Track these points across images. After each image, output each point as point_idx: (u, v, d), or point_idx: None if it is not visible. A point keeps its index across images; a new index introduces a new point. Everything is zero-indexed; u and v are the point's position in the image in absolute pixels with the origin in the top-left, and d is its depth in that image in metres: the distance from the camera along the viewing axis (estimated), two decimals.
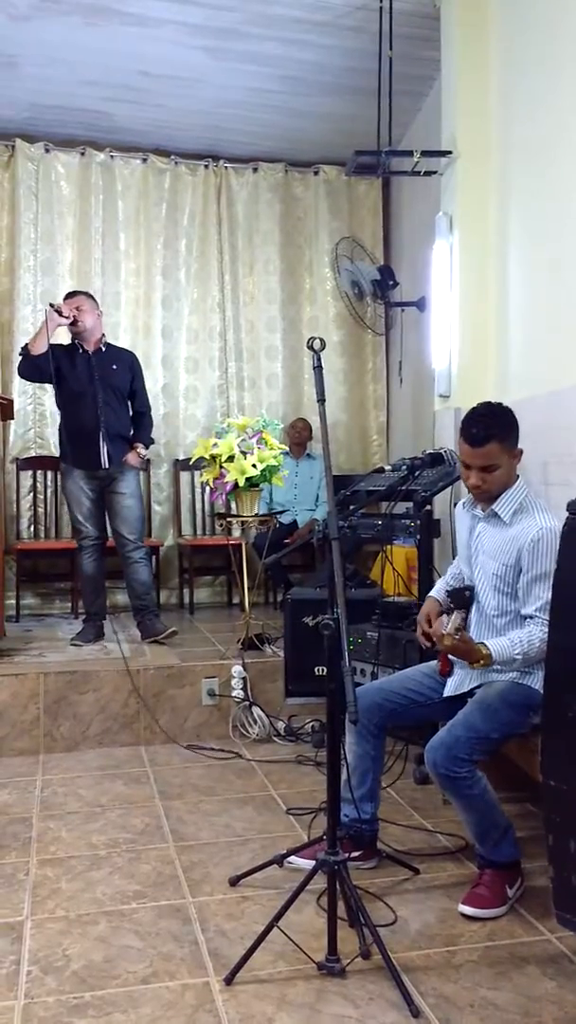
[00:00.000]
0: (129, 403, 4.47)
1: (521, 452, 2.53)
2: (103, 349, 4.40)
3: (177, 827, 2.94)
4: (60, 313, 4.20)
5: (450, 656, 2.55)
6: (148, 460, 4.43)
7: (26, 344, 4.31)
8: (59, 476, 5.61)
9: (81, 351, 4.35)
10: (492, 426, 2.45)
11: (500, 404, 2.56)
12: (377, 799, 2.65)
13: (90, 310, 4.32)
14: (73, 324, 4.26)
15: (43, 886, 2.52)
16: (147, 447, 4.54)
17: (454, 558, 2.87)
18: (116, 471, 4.33)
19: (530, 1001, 1.94)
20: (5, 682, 3.73)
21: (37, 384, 5.57)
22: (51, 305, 4.25)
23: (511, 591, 2.48)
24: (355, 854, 2.53)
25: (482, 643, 2.39)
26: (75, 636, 4.44)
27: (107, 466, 4.29)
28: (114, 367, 4.39)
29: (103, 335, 4.44)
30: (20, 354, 4.31)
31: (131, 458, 4.39)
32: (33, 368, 4.26)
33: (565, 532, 1.86)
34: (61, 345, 4.34)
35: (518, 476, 2.55)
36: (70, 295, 4.42)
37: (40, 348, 4.19)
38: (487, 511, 2.55)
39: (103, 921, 2.31)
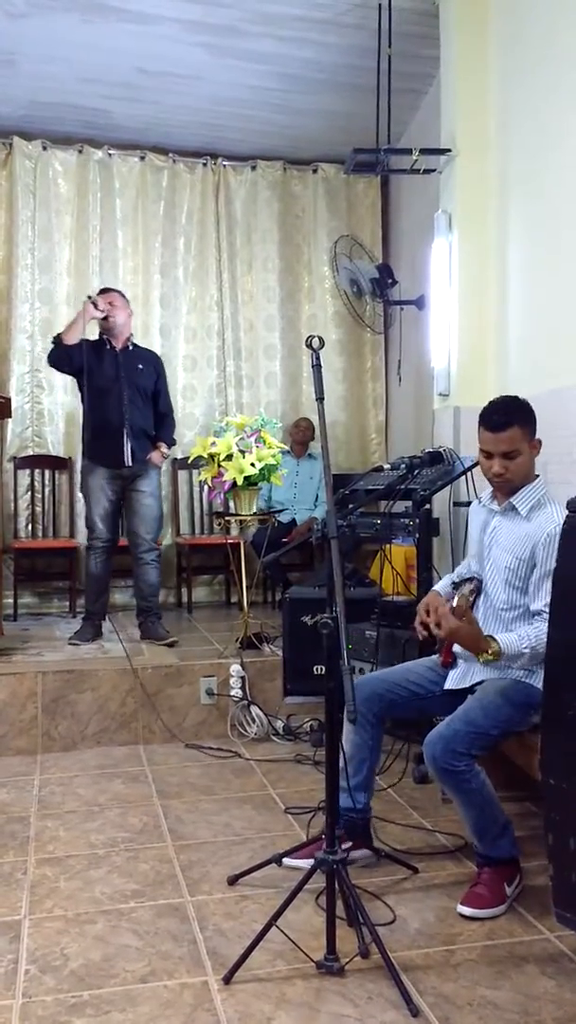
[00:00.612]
0: (152, 403, 4.48)
1: (540, 443, 2.51)
2: (130, 348, 4.42)
3: (175, 826, 2.94)
4: (96, 306, 4.21)
5: (455, 649, 2.53)
6: (166, 459, 4.46)
7: (59, 333, 4.32)
8: (58, 475, 5.63)
9: (109, 347, 4.36)
10: (512, 412, 2.46)
11: (519, 397, 2.56)
12: (371, 790, 2.65)
13: (122, 307, 4.36)
14: (105, 319, 4.28)
15: (41, 885, 2.52)
16: (170, 447, 4.55)
17: (455, 557, 2.87)
18: (139, 469, 4.35)
19: (529, 1000, 1.93)
20: (3, 681, 3.72)
21: (36, 383, 5.60)
22: (88, 297, 4.28)
23: (522, 585, 2.47)
24: (346, 845, 2.52)
25: (491, 636, 2.37)
26: (73, 635, 4.43)
27: (131, 464, 4.30)
28: (140, 367, 4.41)
29: (131, 334, 4.46)
30: (52, 342, 4.33)
31: (155, 456, 4.41)
32: (64, 357, 4.27)
33: (565, 530, 1.85)
34: (89, 340, 4.33)
35: (538, 475, 2.54)
36: (104, 291, 4.46)
37: (73, 338, 4.22)
38: (504, 505, 2.54)
39: (101, 920, 2.31)
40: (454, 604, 2.39)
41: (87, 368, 4.26)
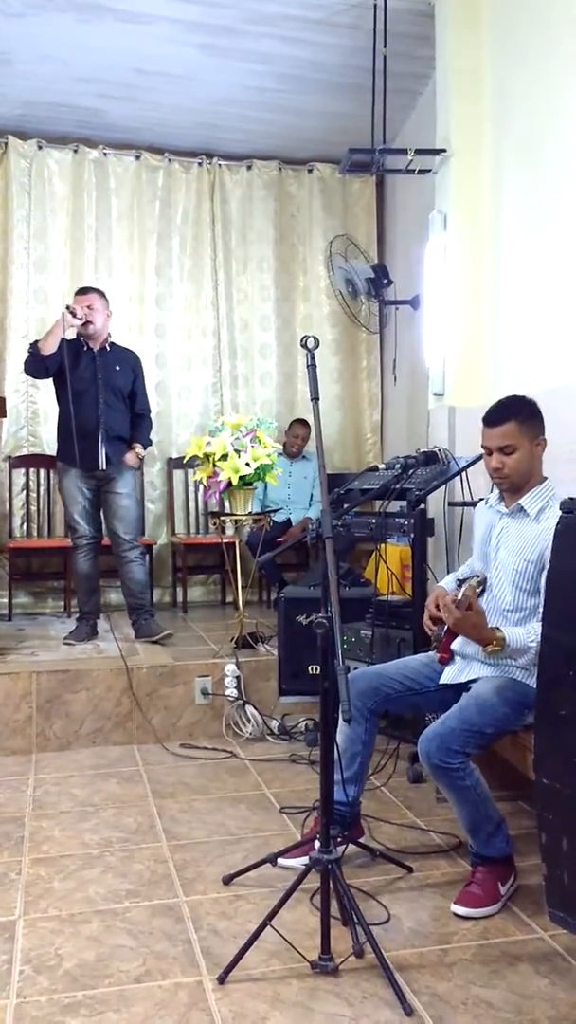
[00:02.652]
0: (129, 403, 4.45)
1: (545, 442, 2.50)
2: (108, 349, 4.37)
3: (170, 826, 2.94)
4: (74, 315, 4.18)
5: (455, 643, 2.52)
6: (143, 460, 4.41)
7: (36, 342, 4.27)
8: (53, 474, 5.62)
9: (86, 348, 4.32)
10: (510, 407, 2.48)
11: (525, 396, 2.55)
12: (362, 784, 2.65)
13: (100, 309, 4.30)
14: (84, 325, 4.24)
15: (35, 885, 2.52)
16: (145, 448, 4.52)
17: (449, 556, 2.87)
18: (114, 471, 4.32)
19: (523, 999, 1.94)
20: None
21: (31, 382, 5.59)
22: (67, 307, 4.21)
23: (530, 587, 2.46)
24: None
25: (496, 627, 2.36)
26: (68, 635, 4.43)
27: (105, 467, 4.28)
28: (117, 368, 4.37)
29: (109, 334, 4.42)
30: (29, 351, 4.28)
31: (129, 458, 4.38)
32: (40, 367, 4.24)
33: (559, 531, 1.86)
34: (66, 339, 4.28)
35: (546, 477, 2.53)
36: (83, 291, 4.39)
37: (51, 348, 4.17)
38: (512, 506, 2.53)
39: (96, 920, 2.31)
40: (459, 596, 2.38)
41: (62, 370, 4.19)
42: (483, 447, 2.52)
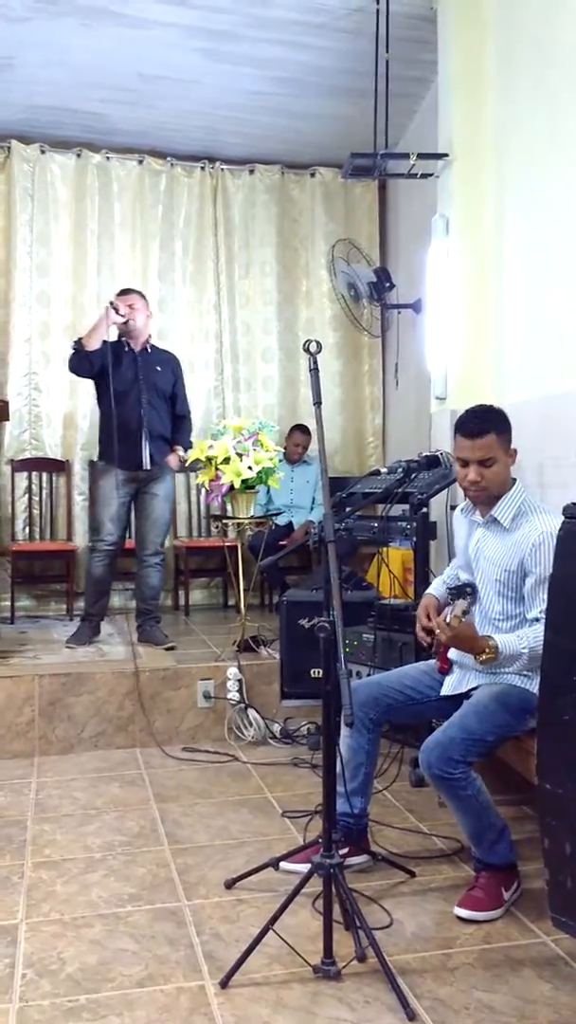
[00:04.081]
0: (170, 405, 4.48)
1: (515, 452, 2.52)
2: (148, 350, 4.42)
3: (172, 830, 2.93)
4: (117, 311, 4.22)
5: (451, 653, 2.54)
6: (184, 462, 4.45)
7: (79, 339, 4.31)
8: (56, 477, 5.64)
9: (127, 349, 4.36)
10: (489, 419, 2.47)
11: (495, 405, 2.57)
12: (368, 795, 2.65)
13: (142, 309, 4.36)
14: (125, 323, 4.28)
15: (38, 889, 2.52)
16: (187, 450, 4.51)
17: (451, 560, 2.87)
18: (156, 472, 4.35)
19: (525, 1004, 1.93)
20: (0, 684, 3.72)
21: (33, 385, 5.61)
22: (110, 304, 4.27)
23: (515, 595, 2.46)
24: (343, 851, 2.52)
25: (488, 636, 2.36)
26: (69, 638, 4.43)
27: (148, 467, 4.30)
28: (158, 368, 4.42)
29: (150, 336, 4.46)
30: (73, 347, 4.32)
31: (171, 460, 4.42)
32: (85, 363, 4.27)
33: (561, 536, 1.86)
34: (108, 341, 4.32)
35: (515, 480, 2.54)
36: (124, 292, 4.45)
37: (95, 344, 4.22)
38: (486, 517, 2.53)
39: (98, 924, 2.31)
40: (448, 618, 2.38)
41: (105, 370, 4.25)
42: (458, 459, 2.50)
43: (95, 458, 4.74)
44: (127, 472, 4.33)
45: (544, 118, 3.49)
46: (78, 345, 4.28)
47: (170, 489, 4.50)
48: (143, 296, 4.46)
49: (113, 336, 4.37)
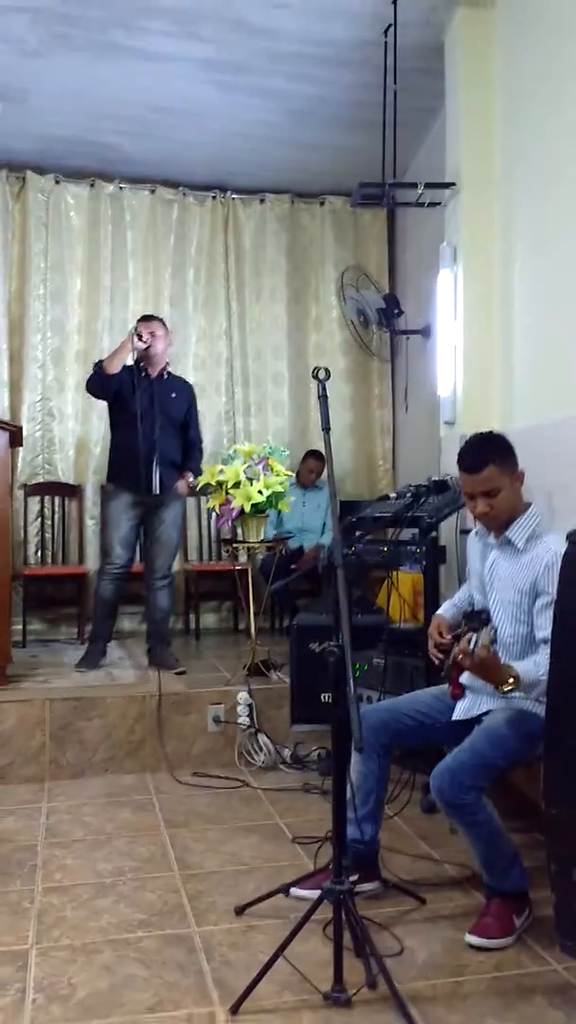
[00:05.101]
0: (182, 432, 4.53)
1: (523, 474, 2.52)
2: (165, 377, 4.48)
3: (183, 855, 2.93)
4: (140, 337, 4.29)
5: (463, 677, 2.52)
6: (193, 488, 4.50)
7: (101, 361, 4.38)
8: (68, 502, 5.68)
9: (144, 375, 4.42)
10: (486, 451, 2.48)
11: (492, 431, 2.58)
12: (379, 821, 2.63)
13: (162, 336, 4.43)
14: (145, 349, 4.35)
15: (48, 914, 2.52)
16: (196, 476, 4.53)
17: (461, 584, 2.87)
18: (164, 498, 4.39)
19: None
20: (11, 708, 3.74)
21: (47, 411, 5.67)
22: (134, 329, 4.35)
23: (527, 618, 2.47)
24: (353, 877, 2.51)
25: (509, 664, 2.33)
26: (79, 662, 4.43)
27: (157, 492, 4.34)
28: (173, 395, 4.48)
29: (167, 363, 4.53)
30: (94, 369, 4.38)
31: (180, 486, 4.45)
32: (104, 386, 4.35)
33: (565, 561, 1.87)
34: (125, 365, 4.38)
35: (530, 503, 2.54)
36: (146, 318, 4.52)
37: (115, 368, 4.30)
38: (500, 538, 2.54)
39: (108, 950, 2.31)
40: (475, 650, 2.32)
41: (120, 395, 4.32)
42: (464, 492, 2.52)
43: (106, 482, 4.78)
44: (136, 496, 4.36)
45: (551, 146, 3.54)
46: (99, 367, 4.34)
47: (179, 514, 4.54)
48: (164, 324, 4.53)
49: (130, 361, 4.43)
